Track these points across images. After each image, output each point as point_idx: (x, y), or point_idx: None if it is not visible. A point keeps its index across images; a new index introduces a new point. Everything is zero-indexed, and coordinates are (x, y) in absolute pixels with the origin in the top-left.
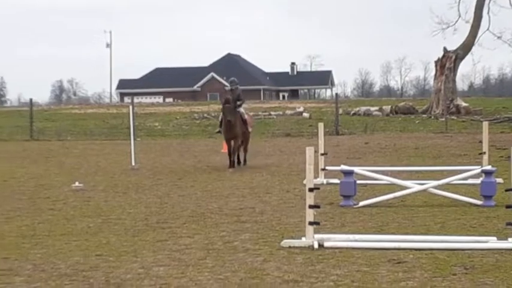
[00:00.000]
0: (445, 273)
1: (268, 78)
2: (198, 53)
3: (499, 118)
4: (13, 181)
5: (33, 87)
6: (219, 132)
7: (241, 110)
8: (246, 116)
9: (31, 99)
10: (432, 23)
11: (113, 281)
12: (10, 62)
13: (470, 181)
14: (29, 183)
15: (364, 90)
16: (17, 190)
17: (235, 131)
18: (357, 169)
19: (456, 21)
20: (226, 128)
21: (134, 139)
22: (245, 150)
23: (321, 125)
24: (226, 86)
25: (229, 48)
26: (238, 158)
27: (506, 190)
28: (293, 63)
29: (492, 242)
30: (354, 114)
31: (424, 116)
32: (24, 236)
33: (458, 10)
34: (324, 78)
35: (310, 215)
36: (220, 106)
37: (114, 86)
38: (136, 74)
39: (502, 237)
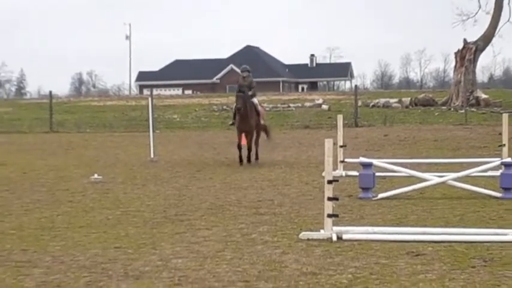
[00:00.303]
0: (463, 266)
1: (287, 70)
2: (218, 45)
3: None
4: (32, 173)
5: (52, 79)
6: (232, 124)
7: (255, 100)
8: (259, 107)
9: (51, 92)
10: (452, 14)
11: (132, 273)
12: (30, 55)
13: (489, 173)
14: (48, 175)
15: (384, 82)
16: (36, 182)
17: (249, 123)
18: (375, 161)
19: (476, 13)
20: (240, 119)
21: (153, 131)
22: (256, 144)
23: (340, 117)
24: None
25: (248, 40)
26: (250, 155)
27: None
28: (312, 55)
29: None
30: (373, 106)
31: (443, 108)
32: (43, 228)
33: (479, 1)
34: (343, 70)
35: (328, 207)
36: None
37: (134, 78)
38: (156, 66)
39: None
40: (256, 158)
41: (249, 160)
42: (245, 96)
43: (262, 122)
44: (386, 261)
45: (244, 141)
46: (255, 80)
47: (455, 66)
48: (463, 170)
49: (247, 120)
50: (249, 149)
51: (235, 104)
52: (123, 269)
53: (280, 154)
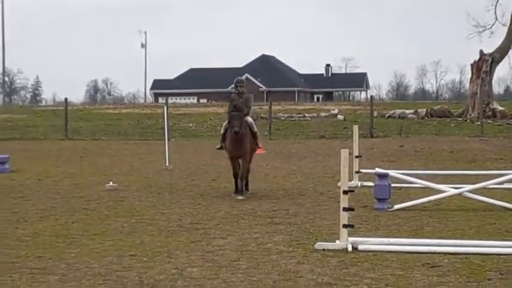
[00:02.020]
0: (480, 278)
1: (302, 80)
2: (233, 53)
3: None
4: (48, 180)
5: (68, 86)
6: (221, 148)
7: (250, 119)
8: (255, 128)
9: (66, 99)
10: (469, 25)
11: (147, 281)
12: (45, 62)
13: (506, 185)
14: (64, 183)
15: (399, 93)
16: (51, 189)
17: (244, 147)
18: (391, 172)
19: (493, 24)
20: (234, 143)
21: (168, 139)
22: (247, 171)
23: (355, 128)
24: (261, 87)
25: (264, 49)
26: (244, 184)
27: None
28: (328, 65)
29: None
30: (389, 116)
31: (459, 119)
32: (58, 235)
33: (495, 13)
34: (359, 80)
35: (344, 217)
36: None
37: (149, 86)
38: (171, 74)
39: None
40: (246, 187)
41: (246, 188)
42: (242, 116)
43: (260, 145)
44: (402, 273)
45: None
46: (270, 89)
47: (471, 78)
48: (479, 181)
49: (242, 145)
50: (243, 178)
51: (227, 126)
52: (138, 277)
53: (295, 164)
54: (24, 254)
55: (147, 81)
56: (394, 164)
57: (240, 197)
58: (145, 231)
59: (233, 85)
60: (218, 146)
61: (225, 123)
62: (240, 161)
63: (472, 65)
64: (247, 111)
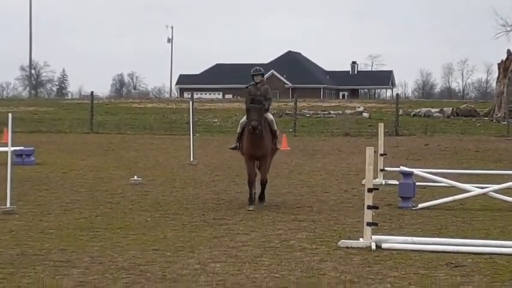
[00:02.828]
0: (504, 279)
1: (328, 77)
2: (259, 49)
3: None
4: (73, 173)
5: (94, 80)
6: (235, 148)
7: (270, 116)
8: (276, 126)
9: (92, 92)
10: (496, 25)
11: (170, 276)
12: (72, 55)
13: None
14: (88, 176)
15: (425, 91)
16: (75, 182)
17: (264, 147)
18: (416, 171)
19: None
20: (252, 142)
21: (193, 134)
22: (266, 179)
23: (381, 125)
24: (286, 83)
25: (290, 46)
26: (264, 190)
27: None
28: (354, 63)
29: None
30: (414, 115)
31: (485, 119)
32: (82, 228)
33: None
34: (384, 78)
35: (368, 215)
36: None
37: (174, 81)
38: (197, 69)
39: None
40: (262, 197)
41: (261, 197)
42: (262, 109)
43: (279, 147)
44: (426, 272)
45: (285, 146)
46: (296, 86)
47: (498, 77)
48: (504, 181)
49: (261, 144)
50: (264, 182)
51: (245, 121)
52: (161, 272)
53: (319, 161)
54: (48, 247)
55: (173, 76)
56: (418, 163)
57: (251, 208)
58: (169, 226)
59: (251, 74)
60: (233, 145)
61: (242, 120)
62: (258, 164)
63: (499, 64)
64: (267, 105)
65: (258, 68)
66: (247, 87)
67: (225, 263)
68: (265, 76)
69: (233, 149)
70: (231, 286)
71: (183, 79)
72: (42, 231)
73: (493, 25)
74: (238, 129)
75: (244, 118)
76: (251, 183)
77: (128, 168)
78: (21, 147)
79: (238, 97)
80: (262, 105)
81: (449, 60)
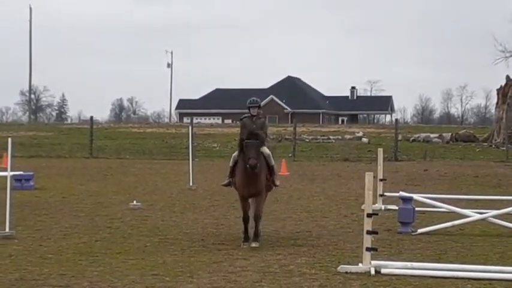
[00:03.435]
0: None
1: (327, 101)
2: (258, 75)
3: None
4: (72, 198)
5: (93, 105)
6: (228, 185)
7: (267, 151)
8: (273, 161)
9: (91, 117)
10: (495, 50)
11: None
12: (71, 80)
13: None
14: (88, 201)
15: (424, 117)
16: (75, 207)
17: (259, 185)
18: (415, 196)
19: None
20: (246, 180)
21: (192, 159)
22: (260, 215)
23: (380, 151)
24: (286, 108)
25: (289, 71)
26: (258, 227)
27: None
28: (353, 88)
29: None
30: (414, 140)
31: (484, 144)
32: (81, 253)
33: None
34: (383, 103)
35: (367, 240)
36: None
37: (174, 105)
38: (196, 94)
39: None
40: (257, 234)
41: (255, 233)
42: (259, 146)
43: (278, 183)
44: None
45: (284, 171)
46: (295, 111)
47: (497, 103)
48: (503, 207)
49: (256, 182)
50: (258, 218)
51: (237, 155)
52: None
53: (319, 186)
54: (47, 272)
55: (173, 101)
56: (418, 188)
57: (246, 245)
58: (168, 251)
59: (248, 105)
60: (225, 182)
61: (234, 154)
62: (253, 201)
63: (498, 90)
64: (263, 137)
65: (254, 99)
66: (241, 120)
67: None
68: (265, 101)
69: (225, 185)
70: None
71: (182, 104)
72: (41, 256)
73: (492, 51)
74: (231, 163)
75: (237, 153)
76: (246, 221)
77: (127, 193)
78: (21, 172)
79: (238, 122)
80: (259, 142)
81: (448, 86)
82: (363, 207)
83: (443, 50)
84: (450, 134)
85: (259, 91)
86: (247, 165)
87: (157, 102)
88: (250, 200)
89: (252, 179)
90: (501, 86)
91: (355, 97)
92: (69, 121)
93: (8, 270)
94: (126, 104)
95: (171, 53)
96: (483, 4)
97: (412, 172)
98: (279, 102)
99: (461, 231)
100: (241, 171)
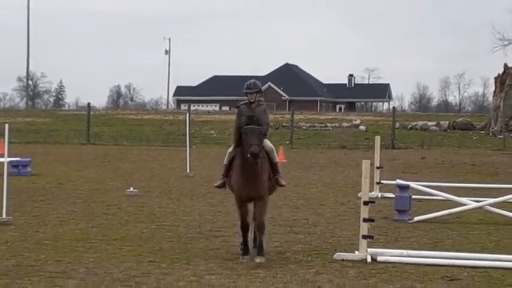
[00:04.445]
0: None
1: (325, 89)
2: (257, 61)
3: None
4: (69, 184)
5: (91, 91)
6: (222, 186)
7: (269, 144)
8: (276, 158)
9: (89, 104)
10: (493, 39)
11: (165, 287)
12: (69, 66)
13: None
14: (84, 187)
15: (422, 105)
16: (72, 193)
17: (260, 184)
18: (412, 184)
19: None
20: (245, 178)
21: (190, 146)
22: (263, 223)
23: (377, 139)
24: (283, 95)
25: (287, 58)
26: (260, 234)
27: None
28: (351, 75)
29: None
30: (411, 128)
31: (482, 132)
32: (78, 239)
33: None
34: (381, 91)
35: (364, 228)
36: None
37: (172, 92)
38: (194, 81)
39: None
40: (260, 245)
41: (258, 247)
42: (262, 132)
43: (284, 183)
44: (421, 285)
45: (281, 158)
46: (293, 98)
47: (494, 91)
48: (500, 195)
49: (257, 180)
50: (260, 226)
51: (234, 153)
52: (156, 283)
53: (316, 173)
54: (44, 258)
55: (170, 88)
56: (415, 176)
57: (245, 259)
58: (165, 238)
59: (245, 89)
60: (218, 182)
61: (229, 150)
62: (254, 205)
63: (495, 78)
64: (265, 128)
65: (252, 82)
66: (238, 107)
67: (220, 275)
68: (263, 89)
69: (219, 187)
70: None
71: (180, 91)
72: (38, 242)
73: (491, 39)
74: (225, 161)
75: (233, 148)
76: (245, 229)
77: (124, 180)
78: (18, 158)
79: (235, 109)
80: (262, 127)
81: (446, 74)
82: (359, 194)
83: (442, 38)
84: (448, 122)
85: (256, 78)
86: (248, 154)
87: (155, 89)
88: (251, 206)
89: (251, 177)
90: (499, 74)
91: (352, 85)
92: (66, 107)
93: (5, 256)
94: (123, 90)
95: (169, 39)
96: None
97: (409, 160)
98: (277, 89)
99: (457, 220)
100: (238, 168)
